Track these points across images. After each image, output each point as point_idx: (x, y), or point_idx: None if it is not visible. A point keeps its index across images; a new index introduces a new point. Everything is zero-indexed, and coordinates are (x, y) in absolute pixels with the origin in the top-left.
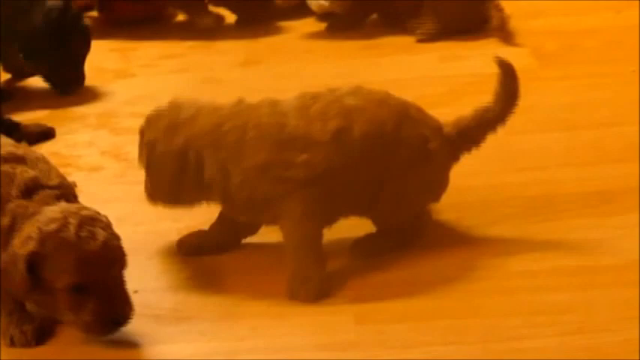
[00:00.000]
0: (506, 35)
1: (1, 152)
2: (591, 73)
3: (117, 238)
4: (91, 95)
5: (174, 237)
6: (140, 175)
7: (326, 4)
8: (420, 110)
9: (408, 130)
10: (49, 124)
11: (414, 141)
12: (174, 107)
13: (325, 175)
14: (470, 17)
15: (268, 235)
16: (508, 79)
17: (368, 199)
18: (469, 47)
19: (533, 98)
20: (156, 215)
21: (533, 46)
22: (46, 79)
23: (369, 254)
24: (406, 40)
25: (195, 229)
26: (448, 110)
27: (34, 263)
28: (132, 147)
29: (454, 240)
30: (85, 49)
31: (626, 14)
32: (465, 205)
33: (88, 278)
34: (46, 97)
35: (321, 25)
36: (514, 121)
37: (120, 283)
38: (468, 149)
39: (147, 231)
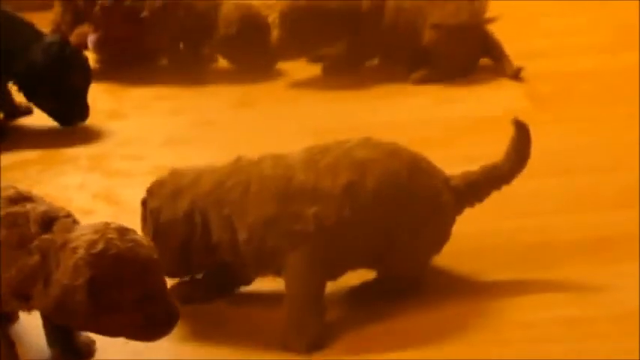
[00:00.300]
0: (519, 79)
1: (8, 193)
2: (587, 117)
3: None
4: (82, 136)
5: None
6: (132, 219)
7: None
8: (428, 162)
9: (420, 182)
10: (41, 166)
11: (425, 193)
12: (176, 174)
13: (335, 229)
14: (469, 61)
15: (261, 284)
16: (521, 141)
17: (377, 252)
18: (463, 90)
19: None
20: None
21: (528, 88)
22: (50, 114)
23: (367, 302)
24: (400, 83)
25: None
26: (443, 153)
27: (93, 289)
28: (124, 190)
29: (450, 288)
30: (87, 82)
31: (623, 56)
32: (460, 252)
33: (149, 285)
34: (37, 137)
35: (316, 68)
36: None
37: (165, 283)
38: (472, 204)
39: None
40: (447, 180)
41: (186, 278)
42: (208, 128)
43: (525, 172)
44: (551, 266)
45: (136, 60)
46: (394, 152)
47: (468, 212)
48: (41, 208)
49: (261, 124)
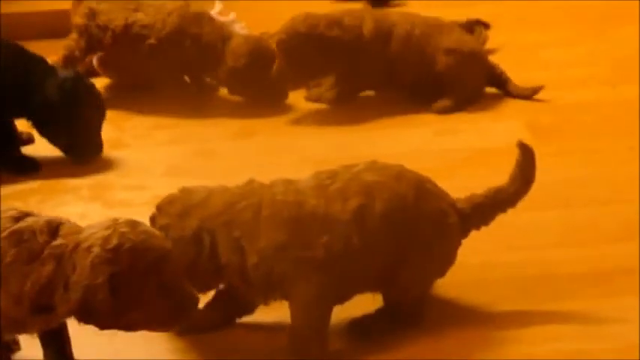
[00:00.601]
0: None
1: (10, 213)
2: (587, 149)
3: None
4: (83, 166)
5: None
6: None
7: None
8: (434, 184)
9: (427, 204)
10: (41, 196)
11: (433, 215)
12: (186, 192)
13: (345, 255)
14: (479, 88)
15: (263, 314)
16: (527, 164)
17: (385, 275)
18: (463, 121)
19: None
20: None
21: (528, 120)
22: (63, 149)
23: (369, 334)
24: (399, 114)
25: None
26: (443, 184)
27: (114, 286)
28: None
29: (453, 320)
30: (101, 116)
31: (623, 89)
32: (462, 283)
33: (167, 274)
34: None
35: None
36: None
37: (181, 271)
38: (477, 227)
39: None
40: (452, 202)
41: None
42: (209, 158)
43: (526, 204)
44: (552, 299)
45: (139, 87)
46: (400, 175)
47: (470, 244)
48: (43, 217)
49: (261, 154)
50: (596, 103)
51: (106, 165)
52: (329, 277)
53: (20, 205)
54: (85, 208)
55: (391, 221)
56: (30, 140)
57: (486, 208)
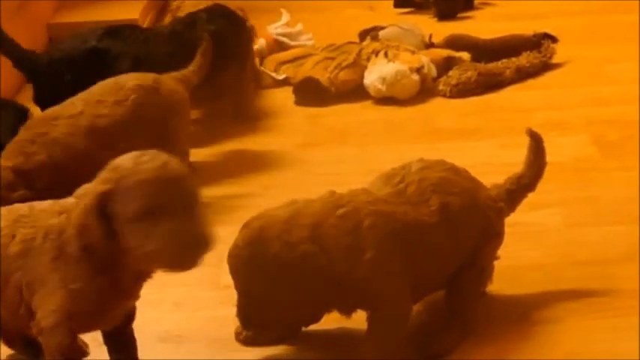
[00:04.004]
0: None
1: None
2: None
3: None
4: None
5: (234, 324)
6: None
7: (383, 88)
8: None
9: (481, 191)
10: None
11: (488, 202)
12: (267, 216)
13: (433, 259)
14: None
15: (329, 323)
16: (539, 149)
17: (457, 268)
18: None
19: (596, 189)
20: (216, 301)
21: (595, 135)
22: None
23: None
24: (467, 125)
25: None
26: None
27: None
28: None
29: (517, 335)
30: None
31: None
32: (528, 298)
33: (186, 194)
34: None
35: (380, 109)
36: (576, 212)
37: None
38: (508, 213)
39: (206, 317)
40: (490, 189)
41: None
42: (274, 168)
43: (591, 219)
44: (616, 315)
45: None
46: (454, 167)
47: (533, 258)
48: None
49: (326, 164)
50: None
51: None
52: (417, 292)
53: None
54: None
55: (466, 214)
56: None
57: (515, 194)
